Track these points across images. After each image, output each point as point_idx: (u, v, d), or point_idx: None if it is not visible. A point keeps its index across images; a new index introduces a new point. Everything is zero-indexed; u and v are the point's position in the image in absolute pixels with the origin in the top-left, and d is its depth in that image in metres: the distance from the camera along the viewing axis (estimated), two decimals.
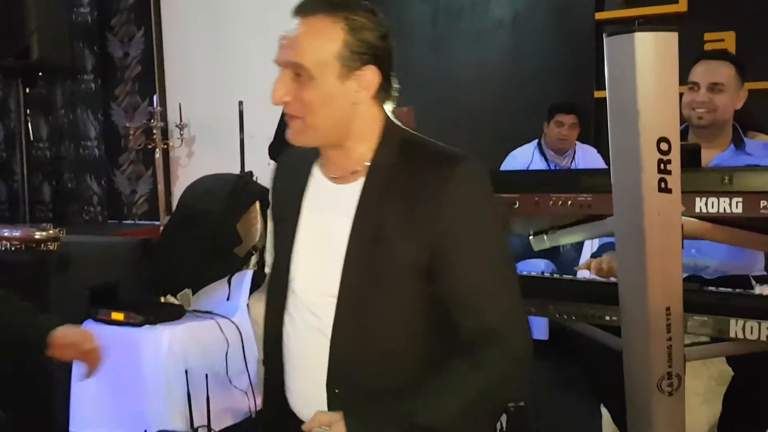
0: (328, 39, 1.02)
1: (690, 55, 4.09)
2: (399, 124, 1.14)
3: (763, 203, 1.21)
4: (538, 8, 4.84)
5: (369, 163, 1.09)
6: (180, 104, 4.85)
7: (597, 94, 4.55)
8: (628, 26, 1.14)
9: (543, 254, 3.29)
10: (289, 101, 1.04)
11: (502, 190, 1.46)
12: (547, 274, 1.67)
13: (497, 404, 1.10)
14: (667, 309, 1.28)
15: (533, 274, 1.67)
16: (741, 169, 1.27)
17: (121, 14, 5.35)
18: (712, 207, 1.26)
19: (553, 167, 3.42)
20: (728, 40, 4.20)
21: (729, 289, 1.41)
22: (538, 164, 3.47)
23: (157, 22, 5.31)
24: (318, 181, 1.14)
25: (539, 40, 4.82)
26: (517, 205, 1.44)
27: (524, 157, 3.53)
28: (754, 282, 1.39)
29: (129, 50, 5.22)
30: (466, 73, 5.11)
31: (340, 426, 1.02)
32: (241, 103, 4.63)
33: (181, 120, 4.74)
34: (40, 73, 4.43)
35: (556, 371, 2.78)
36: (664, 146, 1.16)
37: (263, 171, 2.91)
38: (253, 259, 2.65)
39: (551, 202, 1.41)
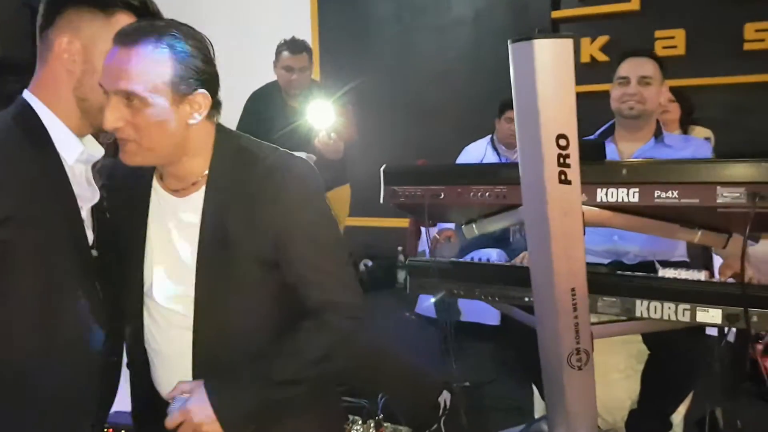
0: (158, 67, 1.11)
1: (642, 53, 4.24)
2: (231, 131, 1.27)
3: (657, 193, 1.34)
4: (498, 6, 4.98)
5: (207, 173, 1.22)
6: None
7: None
8: (529, 33, 1.25)
9: (496, 244, 3.43)
10: (121, 126, 1.12)
11: (429, 183, 1.58)
12: (478, 260, 1.78)
13: (342, 356, 1.25)
14: (573, 290, 1.40)
15: (465, 260, 1.78)
16: (637, 162, 1.40)
17: None
18: (612, 197, 1.38)
19: (504, 161, 3.55)
20: (678, 38, 4.36)
21: (636, 273, 1.54)
22: (491, 158, 3.58)
23: None
24: (160, 195, 1.25)
25: (498, 36, 4.94)
26: (443, 196, 1.55)
27: (477, 152, 3.65)
28: (657, 266, 1.51)
29: None
30: (429, 68, 5.23)
31: (200, 391, 1.16)
32: None
33: None
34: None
35: (505, 353, 2.93)
36: (562, 142, 1.28)
37: None
38: None
39: (471, 194, 1.52)
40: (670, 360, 1.73)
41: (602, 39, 4.54)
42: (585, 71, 4.64)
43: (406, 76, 5.28)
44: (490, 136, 3.79)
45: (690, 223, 1.46)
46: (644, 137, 2.14)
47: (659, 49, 4.38)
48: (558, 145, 1.29)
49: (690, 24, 4.33)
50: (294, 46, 3.17)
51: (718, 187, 1.29)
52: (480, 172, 1.53)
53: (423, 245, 4.10)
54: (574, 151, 1.30)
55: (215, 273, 1.20)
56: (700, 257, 2.08)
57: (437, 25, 5.19)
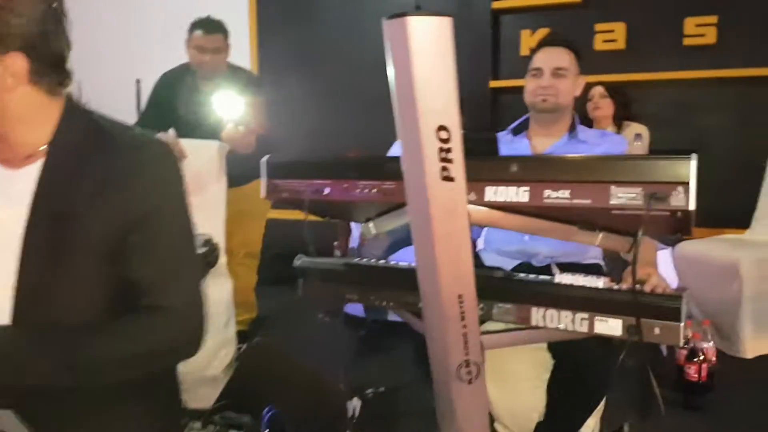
0: None
1: (583, 45, 4.17)
2: (81, 106, 1.13)
3: (546, 192, 1.23)
4: None
5: (46, 147, 1.07)
6: (80, 82, 4.71)
7: (493, 83, 4.62)
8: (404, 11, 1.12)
9: None
10: None
11: (312, 176, 1.44)
12: (375, 262, 1.66)
13: (153, 367, 1.12)
14: (460, 297, 1.29)
15: (360, 261, 1.66)
16: (527, 158, 1.28)
17: None
18: (501, 195, 1.27)
19: None
20: (618, 32, 4.31)
21: (532, 276, 1.43)
22: None
23: None
24: None
25: None
26: (328, 191, 1.42)
27: None
28: (554, 269, 1.40)
29: None
30: (370, 57, 5.07)
31: None
32: (138, 81, 4.54)
33: (81, 98, 4.62)
34: None
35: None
36: (443, 134, 1.16)
37: None
38: None
39: (358, 189, 1.39)
40: (576, 369, 1.63)
41: (542, 31, 4.46)
42: (525, 64, 4.56)
43: (347, 64, 5.13)
44: None
45: (590, 224, 1.35)
46: (559, 132, 2.04)
47: (599, 43, 4.33)
48: (439, 138, 1.16)
49: (631, 18, 4.29)
50: (208, 25, 2.98)
51: (612, 187, 1.18)
52: (368, 166, 1.40)
53: (354, 241, 3.97)
54: (456, 144, 1.17)
55: (43, 258, 1.03)
56: (618, 259, 1.99)
57: (379, 12, 5.04)
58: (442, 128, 1.16)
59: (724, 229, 3.84)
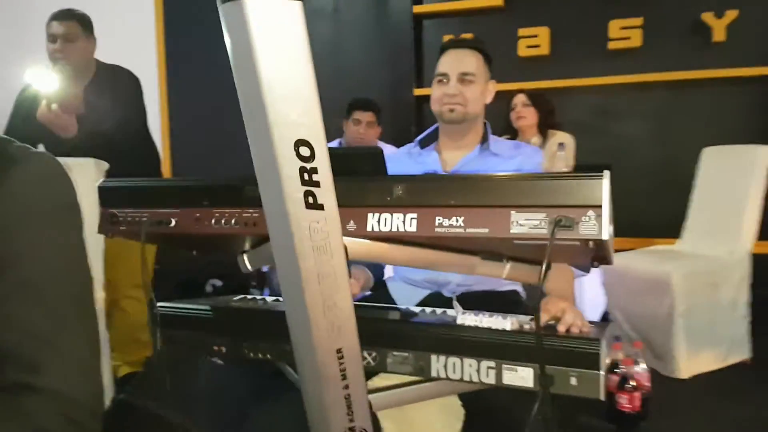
0: None
1: (506, 51, 4.04)
2: None
3: (438, 220, 1.02)
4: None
5: None
6: None
7: (417, 91, 4.45)
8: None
9: None
10: None
11: (156, 204, 1.20)
12: (254, 303, 1.42)
13: None
14: (339, 351, 1.07)
15: (231, 302, 1.42)
16: (416, 179, 1.08)
17: None
18: (386, 224, 1.06)
19: None
20: (542, 36, 4.21)
21: (432, 318, 1.23)
22: None
23: None
24: None
25: (360, 32, 4.65)
26: (174, 223, 1.18)
27: None
28: (456, 307, 1.21)
29: None
30: None
31: None
32: None
33: None
34: None
35: None
36: (304, 151, 0.94)
37: None
38: None
39: (214, 219, 1.16)
40: (489, 420, 1.44)
41: (465, 37, 4.33)
42: None
43: None
44: (338, 140, 3.47)
45: (495, 254, 1.16)
46: (469, 144, 1.86)
47: (522, 48, 4.22)
48: (298, 155, 0.94)
49: (555, 22, 4.20)
50: (64, 13, 2.68)
51: (512, 212, 0.98)
52: (224, 191, 1.16)
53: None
54: (323, 162, 0.96)
55: None
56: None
57: None
58: (301, 143, 0.94)
59: (653, 239, 3.76)
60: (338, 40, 4.73)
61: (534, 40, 4.21)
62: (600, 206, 0.94)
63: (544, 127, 3.61)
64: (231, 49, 0.92)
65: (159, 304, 1.43)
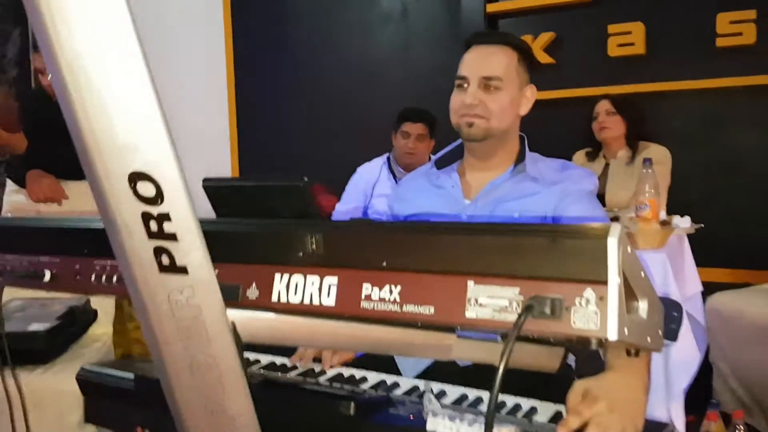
0: None
1: (594, 51, 3.61)
2: None
3: (366, 289, 0.69)
4: (427, 0, 4.38)
5: None
6: None
7: None
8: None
9: None
10: None
11: (27, 249, 0.93)
12: None
13: None
14: None
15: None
16: (338, 225, 0.75)
17: None
18: (296, 293, 0.74)
19: None
20: (636, 33, 3.74)
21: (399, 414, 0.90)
22: (386, 183, 2.95)
23: None
24: None
25: (430, 36, 4.35)
26: (48, 277, 0.91)
27: (371, 174, 3.02)
28: (427, 404, 0.86)
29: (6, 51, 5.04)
30: (353, 71, 4.61)
31: None
32: None
33: None
34: None
35: None
36: (145, 189, 0.64)
37: None
38: None
39: (94, 274, 0.88)
40: None
41: (546, 36, 3.94)
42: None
43: (325, 80, 4.67)
44: (387, 155, 3.17)
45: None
46: (499, 165, 1.51)
47: (613, 47, 3.77)
48: (137, 195, 0.65)
49: (651, 16, 3.72)
50: None
51: (471, 283, 0.64)
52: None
53: None
54: (181, 206, 0.66)
55: None
56: (586, 348, 1.43)
57: (362, 21, 4.59)
58: (139, 177, 0.64)
59: None
60: (407, 45, 4.44)
61: (627, 38, 3.75)
62: (605, 283, 0.58)
63: (633, 138, 3.16)
64: (42, 48, 0.63)
65: (85, 367, 1.18)
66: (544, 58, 3.93)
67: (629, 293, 0.67)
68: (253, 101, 4.93)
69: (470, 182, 1.53)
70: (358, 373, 1.23)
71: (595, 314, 0.58)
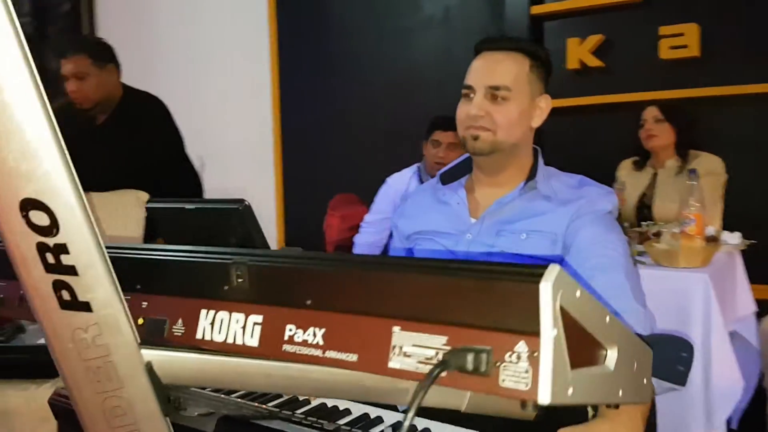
0: None
1: (644, 55, 3.46)
2: None
3: (290, 330, 0.62)
4: (471, 4, 4.28)
5: None
6: None
7: None
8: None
9: None
10: None
11: None
12: None
13: None
14: None
15: None
16: (266, 256, 0.68)
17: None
18: (220, 331, 0.67)
19: None
20: (689, 35, 3.56)
21: None
22: None
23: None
24: None
25: (473, 39, 4.24)
26: None
27: (400, 184, 2.95)
28: None
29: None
30: (393, 77, 4.55)
31: None
32: None
33: None
34: None
35: None
36: (38, 218, 0.59)
37: None
38: None
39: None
40: None
41: (594, 39, 3.79)
42: (574, 80, 3.90)
43: (366, 87, 4.63)
44: (417, 165, 3.09)
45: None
46: (509, 181, 1.41)
47: (664, 50, 3.59)
48: (30, 225, 0.59)
49: (706, 17, 3.53)
50: (73, 46, 2.53)
51: (396, 330, 0.57)
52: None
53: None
54: (81, 236, 0.60)
55: None
56: None
57: (403, 27, 4.53)
58: (31, 205, 0.59)
59: None
60: (449, 49, 4.35)
61: (679, 40, 3.56)
62: (536, 334, 0.50)
63: (683, 147, 2.99)
64: None
65: (59, 390, 1.14)
66: (592, 62, 3.78)
67: (587, 343, 0.58)
68: (295, 110, 4.93)
69: (478, 199, 1.44)
70: (344, 405, 1.16)
71: (525, 372, 0.50)
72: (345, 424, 1.06)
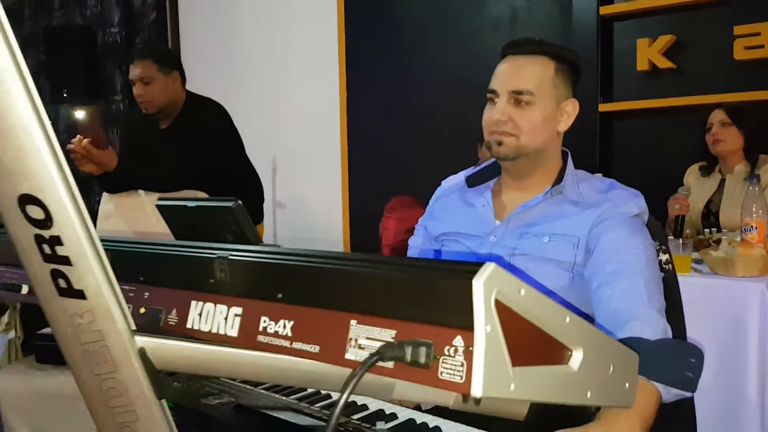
0: None
1: (717, 55, 3.35)
2: None
3: (264, 322, 0.66)
4: (538, 5, 4.23)
5: None
6: None
7: (603, 107, 3.89)
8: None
9: None
10: None
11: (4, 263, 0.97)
12: None
13: None
14: None
15: None
16: (240, 251, 0.71)
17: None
18: (206, 321, 0.72)
19: None
20: (766, 34, 3.42)
21: None
22: None
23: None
24: None
25: None
26: (26, 290, 0.94)
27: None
28: None
29: None
30: (460, 79, 4.54)
31: None
32: None
33: None
34: None
35: None
36: (34, 212, 0.65)
37: None
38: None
39: None
40: None
41: (665, 39, 3.69)
42: (643, 82, 3.80)
43: (432, 88, 4.65)
44: (472, 168, 3.07)
45: None
46: (535, 185, 1.41)
47: (739, 50, 3.46)
48: (28, 219, 0.65)
49: None
50: (140, 53, 2.66)
51: (353, 323, 0.60)
52: None
53: None
54: (73, 230, 0.66)
55: None
56: None
57: (471, 28, 4.52)
58: (28, 200, 0.64)
59: None
60: None
61: (756, 39, 3.43)
62: (470, 330, 0.51)
63: (752, 152, 2.87)
64: None
65: None
66: (662, 63, 3.69)
67: (541, 342, 0.59)
68: (362, 111, 4.99)
69: (504, 202, 1.44)
70: (364, 401, 1.19)
71: (461, 366, 0.52)
72: (357, 419, 1.09)
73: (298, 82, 5.28)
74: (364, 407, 1.17)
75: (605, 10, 3.86)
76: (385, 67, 4.87)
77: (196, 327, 0.72)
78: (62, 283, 0.67)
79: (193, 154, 2.49)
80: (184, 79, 2.73)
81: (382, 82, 4.86)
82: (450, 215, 1.51)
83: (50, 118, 0.64)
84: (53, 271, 0.67)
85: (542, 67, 1.36)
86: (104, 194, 2.71)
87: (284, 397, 1.19)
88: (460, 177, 3.09)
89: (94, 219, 2.66)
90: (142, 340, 0.71)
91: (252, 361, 0.68)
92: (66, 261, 0.66)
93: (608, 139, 3.94)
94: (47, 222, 0.65)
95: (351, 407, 1.17)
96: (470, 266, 0.53)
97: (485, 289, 0.51)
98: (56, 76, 5.13)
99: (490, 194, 1.47)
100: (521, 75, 1.35)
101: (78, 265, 0.66)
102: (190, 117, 2.65)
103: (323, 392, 1.22)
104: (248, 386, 1.20)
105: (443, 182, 3.16)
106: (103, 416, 0.73)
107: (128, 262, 0.75)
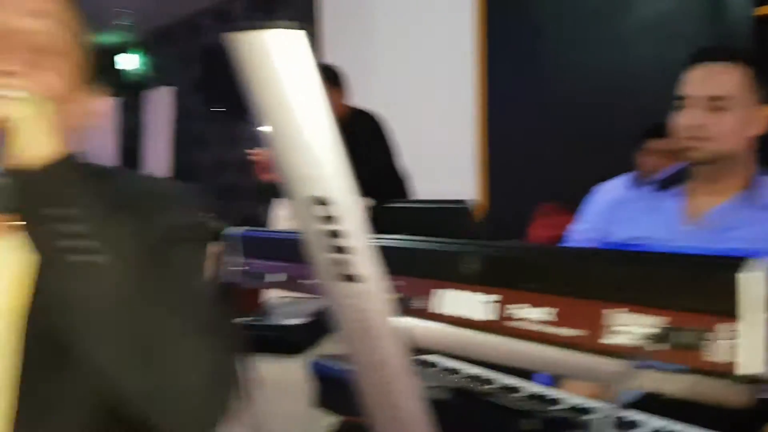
0: None
1: None
2: None
3: (514, 308, 0.75)
4: (688, 6, 4.12)
5: None
6: None
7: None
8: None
9: None
10: None
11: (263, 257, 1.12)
12: None
13: None
14: None
15: None
16: (490, 248, 0.80)
17: None
18: (457, 305, 0.82)
19: None
20: None
21: None
22: (626, 206, 2.86)
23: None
24: None
25: (689, 45, 4.09)
26: (285, 278, 1.09)
27: (609, 195, 2.93)
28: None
29: None
30: (604, 86, 4.49)
31: None
32: None
33: None
34: None
35: None
36: (322, 210, 0.77)
37: None
38: None
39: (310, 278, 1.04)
40: None
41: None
42: None
43: (574, 95, 4.62)
44: (630, 173, 3.05)
45: None
46: (726, 190, 1.42)
47: None
48: (316, 216, 0.78)
49: None
50: None
51: (604, 312, 0.67)
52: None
53: None
54: (352, 225, 0.78)
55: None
56: None
57: (615, 33, 4.47)
58: (317, 201, 0.77)
59: None
60: (663, 57, 4.22)
61: None
62: (733, 318, 0.58)
63: None
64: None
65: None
66: None
67: None
68: (502, 119, 5.03)
69: (694, 207, 1.47)
70: (553, 394, 1.26)
71: (726, 347, 0.58)
72: (557, 410, 1.16)
73: (434, 84, 5.35)
74: (555, 401, 1.24)
75: (761, 11, 3.72)
76: (526, 70, 4.88)
77: (442, 311, 0.82)
78: (341, 270, 0.79)
79: (356, 163, 2.65)
80: (344, 95, 2.90)
81: (523, 85, 4.88)
82: (637, 219, 1.56)
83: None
84: (334, 260, 0.79)
85: (735, 73, 1.39)
86: (280, 200, 2.91)
87: (484, 387, 1.28)
88: (617, 183, 3.08)
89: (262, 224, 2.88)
90: (398, 320, 0.83)
91: (507, 347, 0.77)
92: (343, 251, 0.78)
93: (764, 143, 3.78)
94: (332, 219, 0.77)
95: (541, 400, 1.24)
96: (731, 259, 0.59)
97: (745, 279, 0.57)
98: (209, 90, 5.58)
99: (680, 199, 1.50)
100: (715, 81, 1.39)
101: (354, 254, 0.78)
102: (352, 129, 2.81)
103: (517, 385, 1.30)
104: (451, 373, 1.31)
105: (598, 189, 3.17)
106: (369, 387, 0.85)
107: (389, 255, 0.85)
